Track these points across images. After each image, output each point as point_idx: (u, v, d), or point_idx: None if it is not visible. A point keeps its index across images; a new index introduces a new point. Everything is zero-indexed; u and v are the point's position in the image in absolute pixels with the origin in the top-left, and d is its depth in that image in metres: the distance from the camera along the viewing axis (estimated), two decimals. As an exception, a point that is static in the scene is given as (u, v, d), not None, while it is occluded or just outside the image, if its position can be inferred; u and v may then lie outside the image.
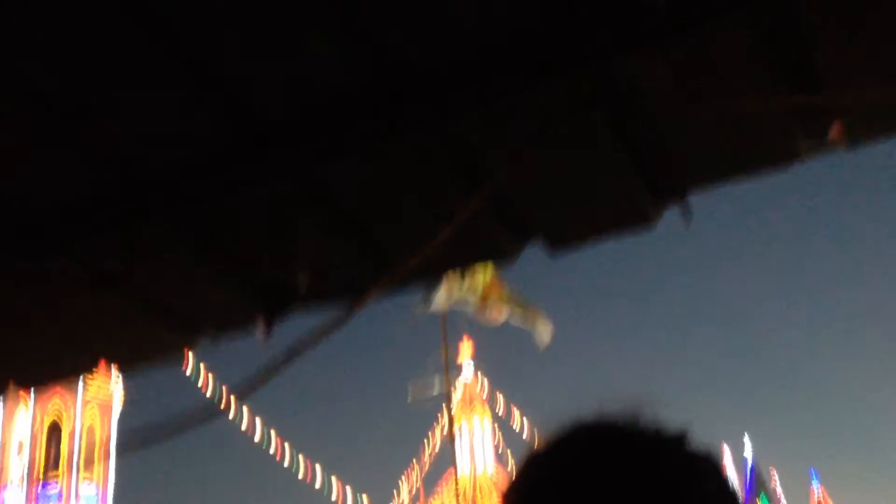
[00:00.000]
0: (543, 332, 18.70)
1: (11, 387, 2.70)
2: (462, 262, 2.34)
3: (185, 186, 2.09)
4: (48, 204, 2.13)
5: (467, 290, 17.62)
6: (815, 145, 1.77)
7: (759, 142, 1.81)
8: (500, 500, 0.94)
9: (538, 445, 0.92)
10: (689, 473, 0.86)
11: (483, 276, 17.65)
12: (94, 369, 2.82)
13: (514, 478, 0.92)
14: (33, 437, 43.41)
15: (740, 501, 0.89)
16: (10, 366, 2.62)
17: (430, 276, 2.30)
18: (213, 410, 2.39)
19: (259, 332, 2.31)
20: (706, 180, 1.91)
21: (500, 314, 18.30)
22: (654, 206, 1.98)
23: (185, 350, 2.53)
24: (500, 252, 2.20)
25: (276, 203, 2.11)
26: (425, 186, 2.06)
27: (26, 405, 41.81)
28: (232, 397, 2.38)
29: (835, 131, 1.72)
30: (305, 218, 2.14)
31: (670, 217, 2.02)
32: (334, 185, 2.08)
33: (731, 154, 1.84)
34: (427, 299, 17.32)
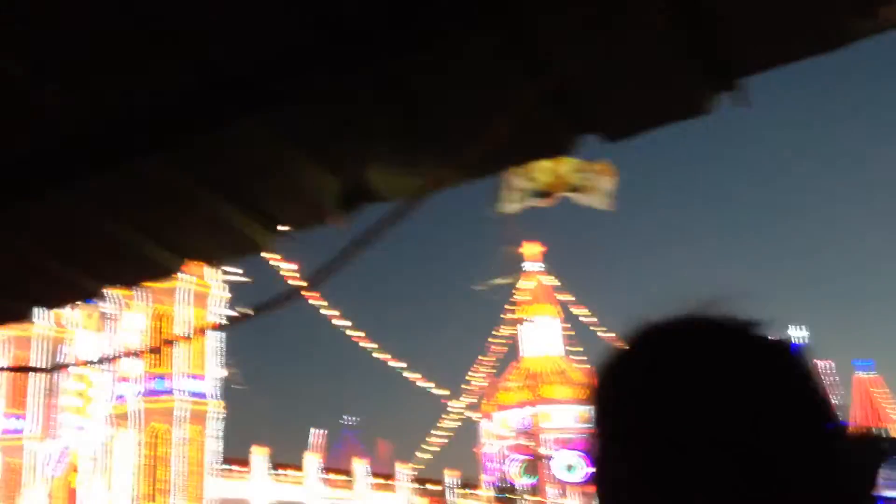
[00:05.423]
0: (608, 187, 18.39)
1: (105, 288, 2.79)
2: (522, 156, 2.30)
3: (268, 86, 2.09)
4: (142, 105, 2.16)
5: (532, 180, 17.53)
6: (870, 24, 1.69)
7: (815, 19, 1.72)
8: (590, 390, 0.90)
9: (624, 340, 0.89)
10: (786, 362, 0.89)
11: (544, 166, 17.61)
12: (183, 267, 2.89)
13: (601, 369, 0.88)
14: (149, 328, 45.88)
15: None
16: (108, 270, 2.72)
17: (489, 170, 2.27)
18: (292, 295, 2.44)
19: (335, 222, 2.34)
20: (765, 60, 1.83)
21: (562, 189, 18.12)
22: (711, 91, 1.92)
23: (265, 244, 2.58)
24: (558, 145, 2.17)
25: (353, 100, 2.10)
26: (486, 78, 2.02)
27: (128, 305, 44.32)
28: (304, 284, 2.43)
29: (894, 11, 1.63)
30: (379, 115, 2.13)
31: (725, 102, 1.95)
32: (406, 81, 2.05)
33: (788, 32, 1.76)
34: (500, 201, 17.44)
